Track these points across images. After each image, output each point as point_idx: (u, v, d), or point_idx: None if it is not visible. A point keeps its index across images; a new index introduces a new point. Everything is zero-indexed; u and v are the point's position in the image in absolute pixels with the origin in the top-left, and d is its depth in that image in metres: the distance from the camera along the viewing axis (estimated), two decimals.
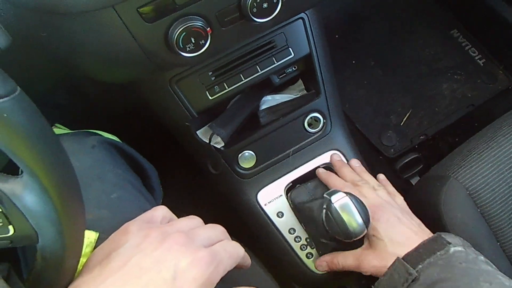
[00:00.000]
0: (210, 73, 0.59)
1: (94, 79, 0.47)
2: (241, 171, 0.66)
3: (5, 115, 0.25)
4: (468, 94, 1.02)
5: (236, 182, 0.67)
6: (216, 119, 0.59)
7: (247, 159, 0.65)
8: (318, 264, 0.62)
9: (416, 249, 0.49)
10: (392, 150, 1.03)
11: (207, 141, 0.59)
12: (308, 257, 0.68)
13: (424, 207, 0.71)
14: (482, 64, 1.04)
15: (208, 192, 0.78)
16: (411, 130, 1.03)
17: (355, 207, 0.50)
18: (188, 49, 0.40)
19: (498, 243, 0.66)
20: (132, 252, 0.35)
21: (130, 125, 0.70)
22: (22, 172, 0.30)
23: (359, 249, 0.55)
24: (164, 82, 0.57)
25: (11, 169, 0.49)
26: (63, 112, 0.70)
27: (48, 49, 0.43)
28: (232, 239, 0.43)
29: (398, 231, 0.53)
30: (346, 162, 0.69)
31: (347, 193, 0.51)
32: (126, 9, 0.37)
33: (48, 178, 0.29)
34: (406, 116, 1.04)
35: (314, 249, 0.67)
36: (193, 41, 0.40)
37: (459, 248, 0.48)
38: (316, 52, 0.62)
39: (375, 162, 1.03)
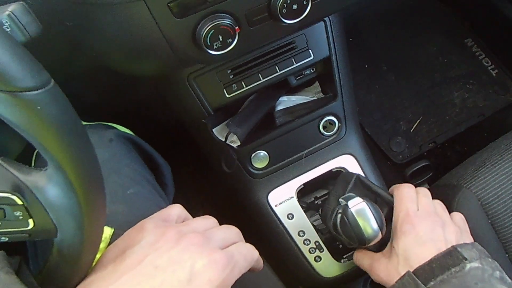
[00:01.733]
0: (229, 71, 0.58)
1: (117, 70, 0.47)
2: (253, 170, 0.66)
3: (39, 107, 0.25)
4: (479, 103, 1.02)
5: (248, 181, 0.67)
6: (233, 118, 0.59)
7: (260, 159, 0.65)
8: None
9: (429, 263, 0.46)
10: (400, 156, 1.03)
11: (223, 139, 0.58)
12: (316, 261, 0.67)
13: None
14: (494, 75, 1.04)
15: (216, 191, 0.77)
16: (420, 137, 1.03)
17: (372, 212, 0.50)
18: (215, 46, 0.40)
19: (507, 255, 0.66)
20: (148, 251, 0.35)
21: (143, 120, 0.70)
22: (46, 165, 0.30)
23: (378, 254, 0.53)
24: (182, 77, 0.57)
25: (24, 160, 0.48)
26: (77, 103, 0.69)
27: (72, 39, 0.42)
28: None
29: (420, 252, 0.48)
30: (360, 169, 0.68)
31: (364, 199, 0.51)
32: (157, 3, 0.36)
33: (75, 172, 0.29)
34: (416, 123, 1.04)
35: (323, 252, 0.67)
36: (221, 39, 0.39)
37: (476, 264, 0.45)
38: (336, 55, 0.62)
39: (384, 168, 1.03)
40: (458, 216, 0.59)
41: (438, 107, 1.04)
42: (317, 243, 0.66)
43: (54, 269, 0.36)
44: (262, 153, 0.65)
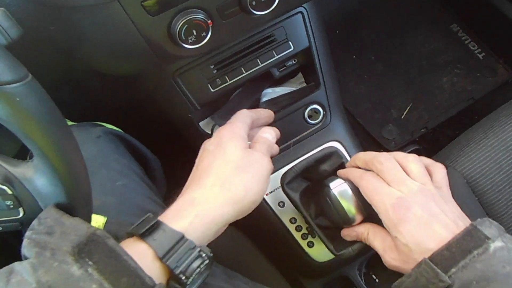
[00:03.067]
0: (212, 67, 0.60)
1: (100, 71, 0.49)
2: None
3: (18, 99, 0.27)
4: (468, 87, 1.04)
5: None
6: (218, 111, 0.61)
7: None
8: (346, 233, 0.54)
9: (448, 246, 0.40)
10: (393, 143, 1.04)
11: (210, 132, 0.61)
12: (309, 246, 0.69)
13: None
14: (481, 58, 1.05)
15: None
16: (411, 124, 1.05)
17: (353, 193, 0.51)
18: (190, 41, 0.42)
19: None
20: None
21: (133, 119, 0.72)
22: (32, 156, 0.32)
23: (389, 237, 0.47)
24: (167, 75, 0.59)
25: (22, 157, 0.51)
26: (68, 108, 0.72)
27: (56, 42, 0.45)
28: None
29: (428, 233, 0.43)
30: (346, 152, 0.70)
31: (345, 180, 0.52)
32: (131, 2, 0.39)
33: (58, 160, 0.31)
34: (407, 110, 1.05)
35: (315, 238, 0.68)
36: (195, 33, 0.42)
37: (499, 244, 0.39)
38: (316, 45, 0.64)
39: None
40: (438, 173, 0.53)
41: (428, 93, 1.05)
42: (309, 229, 0.68)
43: None
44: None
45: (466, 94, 1.03)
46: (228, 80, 0.61)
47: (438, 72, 1.05)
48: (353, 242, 0.55)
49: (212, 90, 0.61)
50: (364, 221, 0.54)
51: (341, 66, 1.08)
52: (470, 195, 0.66)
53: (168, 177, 0.70)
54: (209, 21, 0.41)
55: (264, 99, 0.67)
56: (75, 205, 0.34)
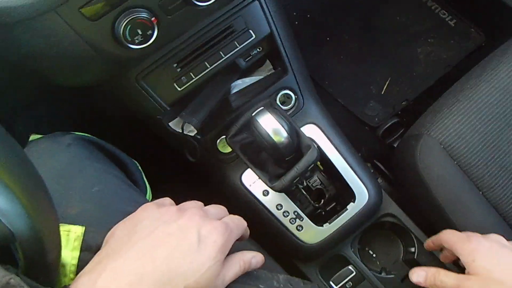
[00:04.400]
0: (175, 65, 0.60)
1: (59, 85, 0.49)
2: (222, 156, 0.68)
3: None
4: (443, 55, 1.03)
5: (219, 167, 0.69)
6: (186, 108, 0.61)
7: (225, 144, 0.67)
8: (415, 271, 0.56)
9: None
10: (376, 119, 1.05)
11: (180, 131, 0.61)
12: (298, 230, 0.69)
13: (404, 168, 0.72)
14: (453, 25, 1.05)
15: (193, 181, 0.80)
16: (392, 98, 1.05)
17: (275, 116, 0.53)
18: (137, 41, 0.42)
19: (481, 193, 0.67)
20: (156, 223, 0.39)
21: (110, 126, 0.72)
22: None
23: (465, 275, 0.51)
24: (131, 80, 0.59)
25: None
26: (46, 122, 0.72)
27: (7, 60, 0.45)
28: None
29: (503, 258, 0.49)
30: (324, 135, 0.70)
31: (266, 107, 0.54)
32: (68, 11, 0.39)
33: (9, 177, 0.32)
34: (386, 85, 1.06)
35: (303, 221, 0.69)
36: (140, 33, 0.42)
37: None
38: (277, 31, 0.64)
39: (362, 134, 1.04)
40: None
41: (404, 65, 1.05)
42: (295, 213, 0.69)
43: (27, 270, 0.39)
44: (223, 137, 0.67)
45: (443, 62, 1.03)
46: (194, 77, 0.62)
47: (412, 43, 1.05)
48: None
49: (179, 89, 0.62)
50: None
51: (316, 49, 1.08)
52: (448, 160, 0.67)
53: (151, 178, 0.71)
54: (153, 19, 0.42)
55: (233, 91, 0.68)
56: (40, 227, 0.34)
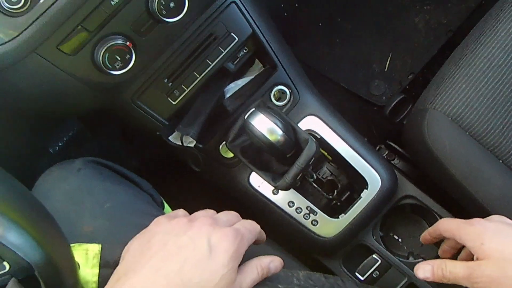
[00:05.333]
0: (166, 80, 0.61)
1: (63, 116, 0.51)
2: (226, 161, 0.68)
3: None
4: (443, 21, 1.00)
5: (226, 173, 0.70)
6: (182, 121, 0.62)
7: (227, 149, 0.67)
8: (421, 267, 0.52)
9: None
10: (383, 97, 1.02)
11: (180, 143, 0.62)
12: (314, 224, 0.69)
13: (414, 147, 0.70)
14: None
15: (204, 188, 0.81)
16: (397, 73, 1.02)
17: (267, 116, 0.53)
18: (117, 67, 0.43)
19: (500, 161, 0.65)
20: (168, 237, 0.40)
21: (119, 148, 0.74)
22: None
23: (477, 261, 0.48)
24: (127, 101, 0.60)
25: None
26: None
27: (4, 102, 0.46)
28: None
29: None
30: (326, 125, 0.69)
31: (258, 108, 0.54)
32: (47, 50, 0.40)
33: (17, 214, 0.34)
34: (388, 60, 1.03)
35: (317, 215, 0.68)
36: (119, 58, 0.42)
37: None
38: (260, 29, 0.63)
39: (371, 115, 1.02)
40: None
41: (404, 37, 1.02)
42: (308, 208, 0.68)
43: None
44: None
45: (443, 28, 0.99)
46: (186, 88, 0.62)
47: (408, 13, 1.02)
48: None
49: (174, 103, 0.62)
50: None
51: (311, 36, 1.06)
52: (459, 132, 0.64)
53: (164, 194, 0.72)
54: (128, 43, 0.42)
55: (228, 95, 0.67)
56: (53, 254, 0.36)
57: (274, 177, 0.59)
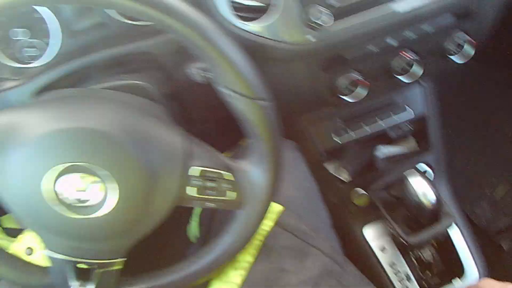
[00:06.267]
0: (338, 120, 0.74)
1: None
2: (352, 207, 0.77)
3: (266, 113, 0.41)
4: None
5: (347, 214, 0.78)
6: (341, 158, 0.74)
7: (359, 196, 0.76)
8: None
9: None
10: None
11: (333, 172, 0.73)
12: None
13: None
14: None
15: None
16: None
17: (427, 182, 0.60)
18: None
19: None
20: None
21: None
22: (247, 156, 0.44)
23: None
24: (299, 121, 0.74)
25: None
26: None
27: None
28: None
29: None
30: None
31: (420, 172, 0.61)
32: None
33: (275, 164, 0.43)
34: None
35: (411, 283, 0.73)
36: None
37: None
38: (432, 115, 0.75)
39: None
40: None
41: None
42: (406, 275, 0.73)
43: (229, 237, 0.46)
44: (362, 192, 0.77)
45: None
46: (353, 135, 0.74)
47: None
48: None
49: (337, 139, 0.73)
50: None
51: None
52: None
53: None
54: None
55: (380, 155, 0.78)
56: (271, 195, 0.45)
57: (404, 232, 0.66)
